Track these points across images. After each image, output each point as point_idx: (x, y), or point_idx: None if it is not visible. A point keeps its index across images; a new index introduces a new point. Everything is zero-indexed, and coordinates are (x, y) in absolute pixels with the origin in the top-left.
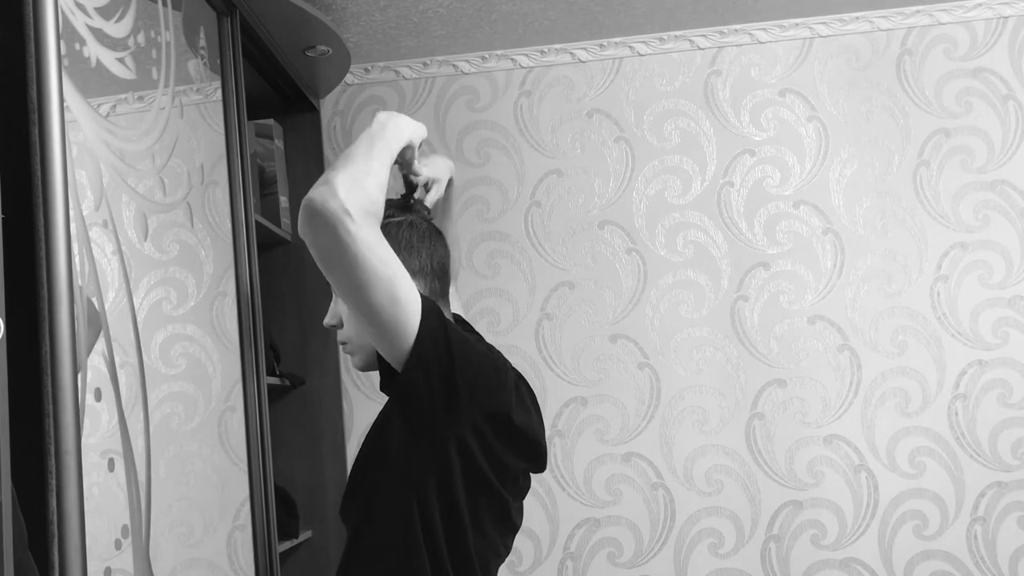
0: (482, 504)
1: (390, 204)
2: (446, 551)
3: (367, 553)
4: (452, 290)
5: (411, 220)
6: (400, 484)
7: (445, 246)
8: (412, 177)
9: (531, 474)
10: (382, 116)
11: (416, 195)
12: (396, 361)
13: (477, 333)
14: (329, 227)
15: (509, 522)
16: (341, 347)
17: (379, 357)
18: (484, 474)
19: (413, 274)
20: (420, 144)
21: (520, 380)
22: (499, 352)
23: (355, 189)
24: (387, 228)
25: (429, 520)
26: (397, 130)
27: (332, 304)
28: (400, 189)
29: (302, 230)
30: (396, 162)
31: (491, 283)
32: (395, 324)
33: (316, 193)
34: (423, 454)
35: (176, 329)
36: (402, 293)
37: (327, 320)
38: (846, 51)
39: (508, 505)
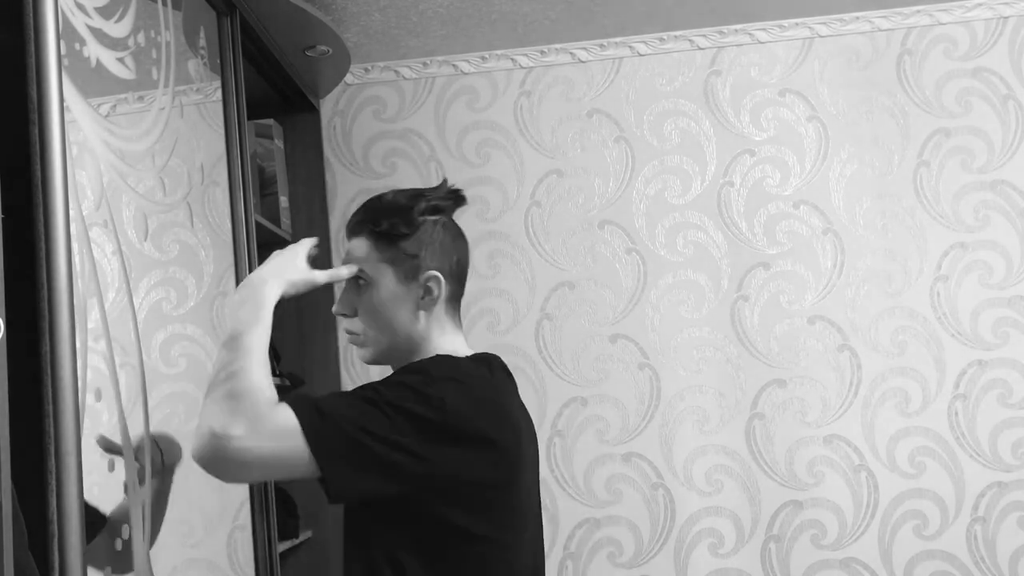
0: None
1: (423, 200)
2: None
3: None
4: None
5: (445, 221)
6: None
7: (468, 249)
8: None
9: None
10: (228, 306)
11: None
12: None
13: (483, 365)
14: (231, 464)
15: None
16: (348, 336)
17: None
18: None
19: (445, 276)
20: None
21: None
22: (496, 389)
23: (225, 412)
24: (423, 225)
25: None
26: (254, 305)
27: (343, 292)
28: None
29: (224, 480)
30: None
31: (491, 283)
32: (307, 457)
33: (196, 447)
34: (401, 524)
35: (176, 329)
36: (300, 441)
37: (337, 308)
38: (846, 51)
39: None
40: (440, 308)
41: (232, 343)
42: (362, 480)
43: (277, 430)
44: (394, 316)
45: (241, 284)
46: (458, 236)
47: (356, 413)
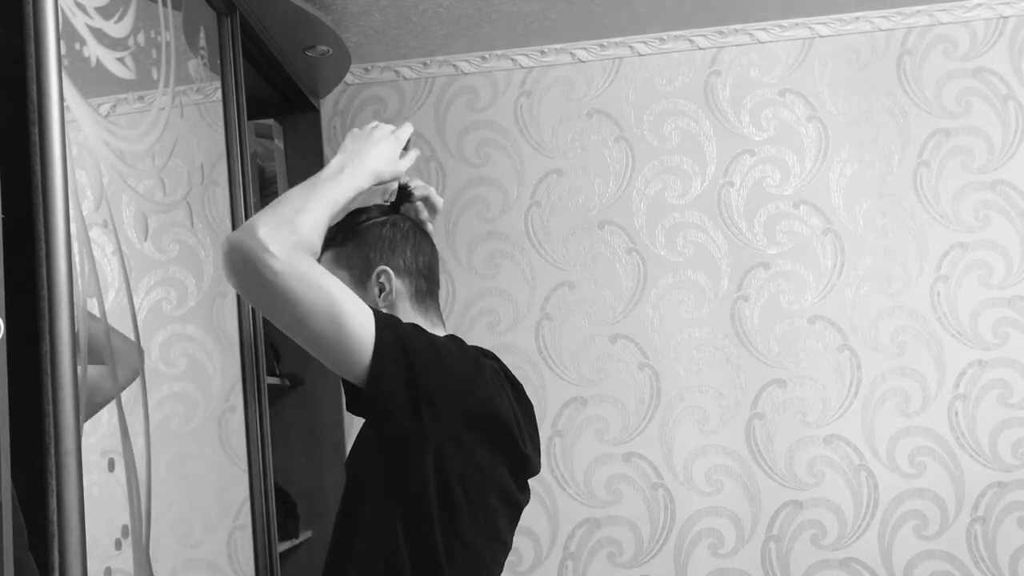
0: (467, 523)
1: (374, 208)
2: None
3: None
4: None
5: (393, 219)
6: (383, 509)
7: (432, 247)
8: (408, 187)
9: (529, 480)
10: (339, 157)
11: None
12: (358, 380)
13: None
14: (248, 265)
15: (499, 539)
16: None
17: (343, 380)
18: (468, 490)
19: (397, 271)
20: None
21: (506, 377)
22: (480, 352)
23: (278, 226)
24: (370, 228)
25: (415, 545)
26: (354, 173)
27: None
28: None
29: (224, 273)
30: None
31: (491, 283)
32: (346, 347)
33: (233, 234)
34: (401, 475)
35: (176, 329)
36: (347, 316)
37: None
38: (846, 51)
39: (496, 519)
40: (406, 305)
41: (309, 185)
42: (393, 384)
43: (314, 280)
44: None
45: (349, 150)
46: (409, 232)
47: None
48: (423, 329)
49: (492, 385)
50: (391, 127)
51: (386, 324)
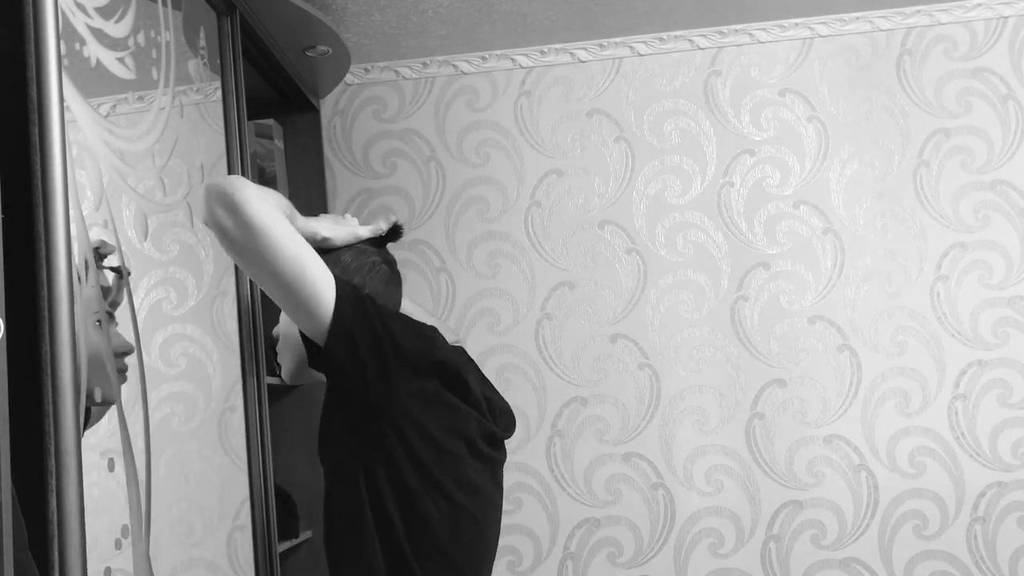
0: (435, 477)
1: (362, 242)
2: (403, 532)
3: (329, 533)
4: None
5: (374, 262)
6: (348, 466)
7: (401, 291)
8: (401, 228)
9: (505, 443)
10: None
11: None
12: (319, 337)
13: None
14: (226, 194)
15: (481, 495)
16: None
17: (303, 335)
18: (430, 443)
19: None
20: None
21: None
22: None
23: (257, 188)
24: (351, 266)
25: (380, 502)
26: (312, 220)
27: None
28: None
29: (203, 216)
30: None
31: (491, 283)
32: (310, 297)
33: (211, 180)
34: (362, 433)
35: (176, 329)
36: (312, 269)
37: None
38: (846, 51)
39: (466, 470)
40: None
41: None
42: (359, 331)
43: (286, 237)
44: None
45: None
46: (386, 279)
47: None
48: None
49: (445, 345)
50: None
51: (345, 285)
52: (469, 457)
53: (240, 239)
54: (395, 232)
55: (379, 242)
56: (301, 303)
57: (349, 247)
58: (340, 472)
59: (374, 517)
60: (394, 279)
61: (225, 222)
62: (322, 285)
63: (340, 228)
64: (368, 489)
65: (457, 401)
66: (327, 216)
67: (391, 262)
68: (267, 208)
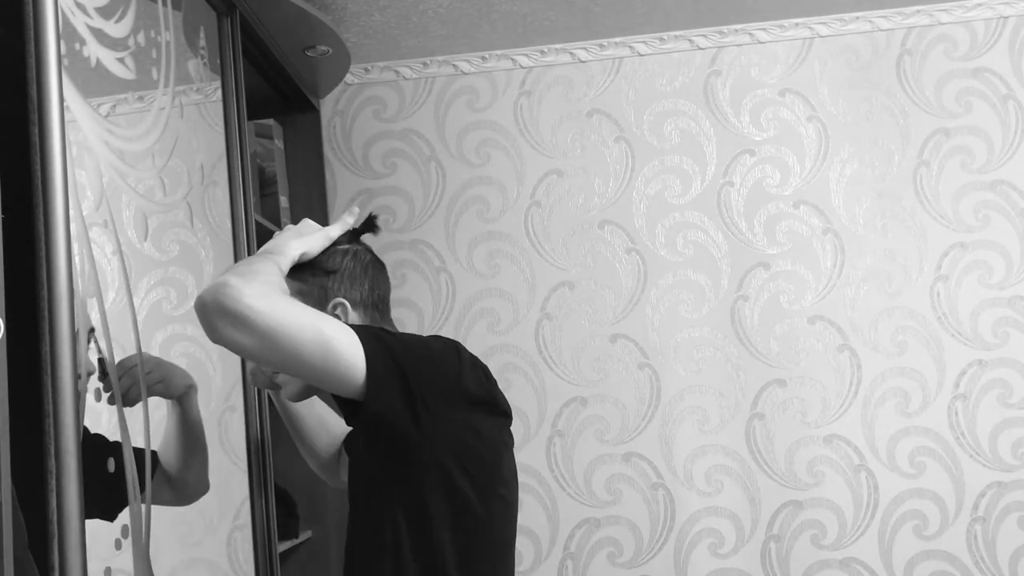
0: (479, 511)
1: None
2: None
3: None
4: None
5: (356, 250)
6: (386, 518)
7: (387, 279)
8: (376, 219)
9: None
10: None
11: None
12: (355, 396)
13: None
14: (228, 312)
15: (511, 513)
16: (263, 380)
17: (336, 397)
18: (474, 477)
19: (354, 304)
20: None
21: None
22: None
23: (244, 275)
24: (332, 255)
25: (426, 523)
26: (283, 245)
27: None
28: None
29: (208, 333)
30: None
31: (491, 283)
32: (339, 369)
33: (205, 292)
34: (405, 481)
35: (176, 329)
36: (334, 339)
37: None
38: (846, 51)
39: (508, 496)
40: None
41: (257, 256)
42: (392, 394)
43: (294, 315)
44: None
45: (264, 247)
46: (369, 265)
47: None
48: (398, 333)
49: (471, 368)
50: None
51: (369, 336)
52: (512, 482)
53: (259, 347)
54: (370, 224)
55: (353, 235)
56: (333, 375)
57: (327, 251)
58: (377, 512)
59: (413, 542)
60: (380, 266)
61: (239, 338)
62: (350, 351)
63: (310, 238)
64: (406, 519)
65: (488, 419)
66: (288, 229)
67: (370, 250)
68: (270, 302)
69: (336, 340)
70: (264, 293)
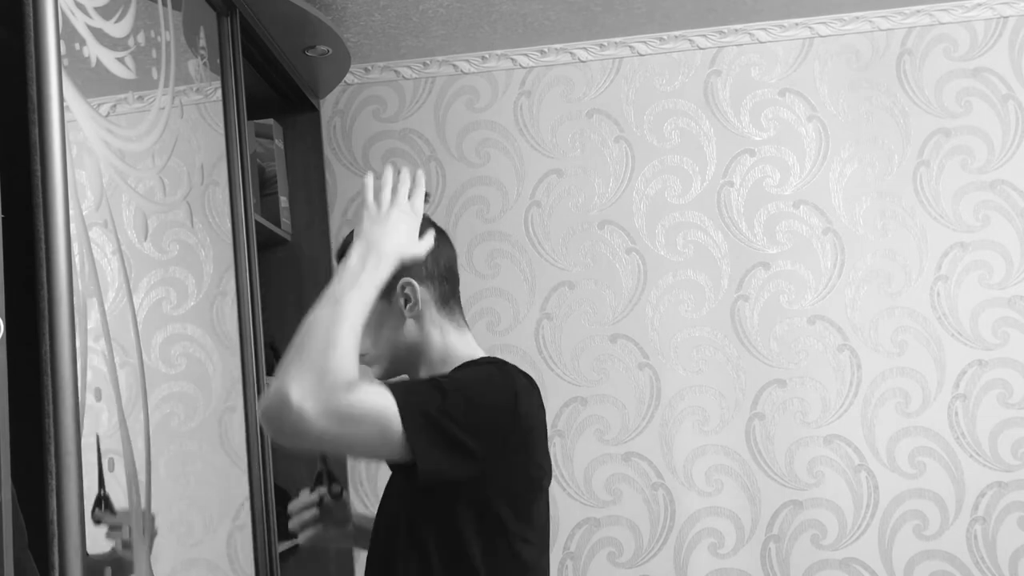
0: (516, 547)
1: None
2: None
3: None
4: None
5: (442, 247)
6: (418, 555)
7: (451, 247)
8: (429, 195)
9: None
10: (357, 249)
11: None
12: (406, 460)
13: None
14: (293, 433)
15: (545, 547)
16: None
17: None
18: (515, 511)
19: (420, 280)
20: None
21: (531, 386)
22: (504, 366)
23: (310, 382)
24: (440, 260)
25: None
26: (376, 269)
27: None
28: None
29: (272, 438)
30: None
31: (491, 283)
32: (393, 448)
33: (269, 404)
34: (441, 523)
35: (176, 329)
36: (391, 427)
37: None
38: (846, 51)
39: (542, 530)
40: (432, 311)
41: (332, 301)
42: (448, 462)
43: (356, 414)
44: (387, 331)
45: (367, 240)
46: (430, 234)
47: (435, 397)
48: (439, 381)
49: (525, 399)
50: (404, 196)
51: (410, 406)
52: (544, 516)
53: (321, 447)
54: (423, 199)
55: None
56: (391, 448)
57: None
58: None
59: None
60: (441, 233)
61: (304, 444)
62: (394, 424)
63: (422, 242)
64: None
65: (535, 474)
66: (399, 227)
67: (428, 218)
68: (327, 419)
69: (392, 426)
70: (326, 404)
